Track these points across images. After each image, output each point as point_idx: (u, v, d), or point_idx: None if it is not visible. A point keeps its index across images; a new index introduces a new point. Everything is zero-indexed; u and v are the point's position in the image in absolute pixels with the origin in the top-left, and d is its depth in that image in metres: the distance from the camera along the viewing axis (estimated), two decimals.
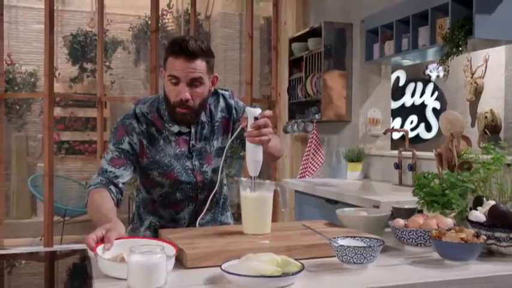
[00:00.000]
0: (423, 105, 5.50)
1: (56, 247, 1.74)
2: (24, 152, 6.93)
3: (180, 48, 1.75)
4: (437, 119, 5.35)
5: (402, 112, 5.59)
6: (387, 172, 3.73)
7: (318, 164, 4.23)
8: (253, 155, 1.70)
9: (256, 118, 1.70)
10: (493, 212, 1.57)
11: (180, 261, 1.41)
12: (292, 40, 4.77)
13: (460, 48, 2.90)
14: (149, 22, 5.09)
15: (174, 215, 1.98)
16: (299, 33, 4.71)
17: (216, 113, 1.97)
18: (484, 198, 1.72)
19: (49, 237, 4.00)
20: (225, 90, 2.04)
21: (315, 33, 4.38)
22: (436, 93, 5.44)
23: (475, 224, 1.60)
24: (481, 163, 1.81)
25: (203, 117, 1.93)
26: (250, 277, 1.22)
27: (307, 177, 4.23)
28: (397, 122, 5.54)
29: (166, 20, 7.45)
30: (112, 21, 7.30)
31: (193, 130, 1.92)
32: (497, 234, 1.55)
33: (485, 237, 1.49)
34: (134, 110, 1.90)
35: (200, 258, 1.41)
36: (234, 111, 2.00)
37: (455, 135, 1.89)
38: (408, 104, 5.60)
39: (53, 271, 1.49)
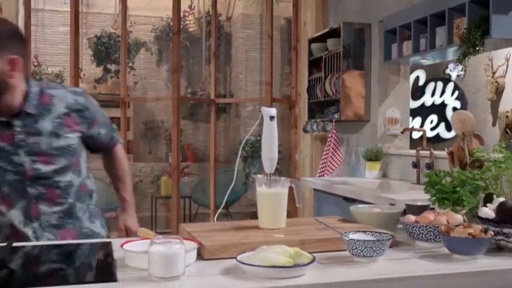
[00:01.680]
0: (443, 105, 5.49)
1: (80, 241, 1.81)
2: None
3: None
4: None
5: (422, 112, 5.59)
6: (405, 171, 3.76)
7: (336, 163, 4.28)
8: (269, 153, 1.77)
9: (271, 117, 1.77)
10: (501, 209, 1.61)
11: (198, 253, 1.48)
12: (312, 40, 4.82)
13: (477, 48, 2.92)
14: (171, 24, 5.19)
15: (5, 210, 1.81)
16: (318, 33, 4.76)
17: (58, 106, 1.83)
18: (495, 196, 1.76)
19: None
20: (76, 87, 1.97)
21: (334, 33, 4.43)
22: (457, 93, 5.43)
23: (484, 220, 1.64)
24: (492, 161, 1.84)
25: (30, 109, 1.78)
26: (263, 267, 1.29)
27: (326, 176, 4.28)
28: (417, 122, 5.55)
29: (188, 22, 7.55)
30: (135, 23, 7.44)
31: (17, 122, 1.78)
32: (505, 230, 1.59)
33: (492, 233, 1.53)
34: None
35: (217, 250, 1.49)
36: (86, 110, 1.90)
37: (466, 134, 1.93)
38: (428, 103, 5.60)
39: (77, 260, 1.58)
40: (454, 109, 5.42)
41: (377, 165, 3.92)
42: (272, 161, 1.77)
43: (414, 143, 4.36)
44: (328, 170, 4.27)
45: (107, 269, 1.43)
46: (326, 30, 4.59)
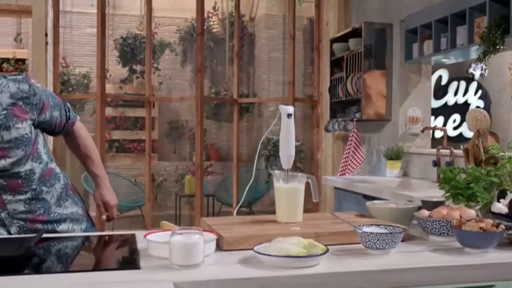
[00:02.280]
0: (466, 104, 5.47)
1: (106, 233, 1.90)
2: None
3: None
4: None
5: (445, 111, 5.58)
6: (426, 170, 3.78)
7: (357, 162, 4.32)
8: (286, 150, 1.83)
9: (289, 115, 1.83)
10: None
11: (217, 244, 1.55)
12: (334, 40, 4.86)
13: (497, 47, 2.93)
14: (195, 25, 5.28)
15: None
16: (340, 33, 4.79)
17: (2, 98, 1.75)
18: (508, 192, 1.79)
19: (101, 230, 4.21)
20: (18, 75, 1.84)
21: (355, 33, 4.46)
22: (480, 92, 5.41)
23: (497, 215, 1.68)
24: (507, 158, 1.87)
25: None
26: (278, 257, 1.36)
27: (347, 174, 4.32)
28: (439, 121, 5.54)
29: (212, 22, 7.65)
30: (160, 24, 7.56)
31: None
32: None
33: (504, 227, 1.57)
34: None
35: (235, 241, 1.56)
36: (33, 96, 1.82)
37: (481, 131, 1.96)
38: (451, 102, 5.59)
39: (103, 250, 1.67)
40: (477, 108, 5.39)
41: (398, 164, 3.94)
42: (289, 158, 1.84)
43: (436, 143, 4.36)
44: (349, 169, 4.31)
45: (130, 257, 1.51)
46: (348, 30, 4.62)
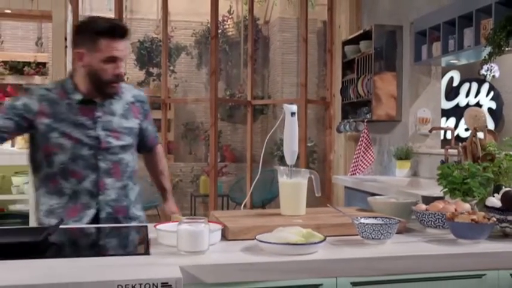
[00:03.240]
0: (478, 105, 5.50)
1: (119, 224, 2.05)
2: None
3: (114, 29, 1.97)
4: (493, 119, 5.36)
5: (456, 112, 5.62)
6: (435, 169, 3.81)
7: (368, 162, 4.39)
8: (290, 146, 1.93)
9: (292, 113, 1.93)
10: (505, 197, 1.72)
11: (223, 235, 1.65)
12: (345, 43, 4.94)
13: (502, 48, 2.99)
14: (210, 28, 5.40)
15: (76, 185, 2.01)
16: (351, 36, 4.87)
17: (126, 94, 2.14)
18: (504, 187, 1.86)
19: None
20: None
21: (366, 35, 4.54)
22: (492, 93, 5.44)
23: (490, 209, 1.75)
24: (504, 155, 1.94)
25: None
26: (278, 244, 1.45)
27: (357, 174, 4.39)
28: (451, 122, 5.58)
29: (227, 26, 7.77)
30: (176, 28, 7.70)
31: (99, 102, 2.06)
32: (510, 218, 1.69)
33: (495, 219, 1.64)
34: (36, 87, 2.11)
35: (240, 231, 1.66)
36: (145, 104, 2.22)
37: (478, 129, 2.03)
38: (462, 104, 5.62)
39: (116, 239, 1.80)
40: (489, 110, 5.43)
41: (407, 164, 4.01)
42: (293, 154, 1.93)
43: (448, 143, 4.40)
44: (359, 169, 4.39)
45: (141, 245, 1.62)
46: (359, 32, 4.70)
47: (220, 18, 7.25)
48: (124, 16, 5.58)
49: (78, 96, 2.02)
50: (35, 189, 2.12)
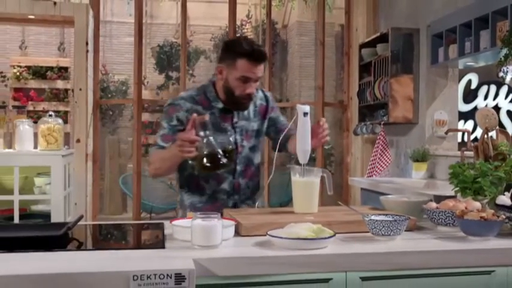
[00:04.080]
0: (497, 108, 5.46)
1: (137, 222, 2.13)
2: (116, 154, 7.59)
3: (253, 53, 2.10)
4: None
5: (474, 115, 5.58)
6: None
7: (385, 164, 4.40)
8: (303, 145, 1.98)
9: (305, 114, 1.97)
10: None
11: (236, 231, 1.70)
12: (362, 46, 4.96)
13: None
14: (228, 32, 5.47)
15: (216, 186, 2.23)
16: (368, 39, 4.89)
17: (256, 99, 2.32)
18: None
19: None
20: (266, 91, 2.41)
21: (383, 38, 4.55)
22: (511, 96, 5.40)
23: (501, 207, 1.77)
24: None
25: None
26: (288, 239, 1.50)
27: (374, 176, 4.40)
28: (469, 125, 5.55)
29: (246, 30, 7.83)
30: (195, 32, 7.79)
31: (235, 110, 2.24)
32: None
33: (504, 216, 1.66)
34: (183, 93, 2.29)
35: (253, 227, 1.70)
36: (270, 102, 2.39)
37: (490, 128, 2.05)
38: (481, 106, 5.59)
39: (133, 234, 1.87)
40: (508, 112, 5.39)
41: (423, 166, 4.01)
42: (306, 153, 1.98)
43: (464, 146, 4.40)
44: (376, 171, 4.40)
45: (157, 239, 1.68)
46: (376, 35, 4.72)
47: (238, 23, 7.31)
48: (144, 21, 5.68)
49: (219, 105, 2.22)
50: (179, 187, 2.32)
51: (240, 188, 2.26)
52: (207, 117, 1.98)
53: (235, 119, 2.26)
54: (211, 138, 1.94)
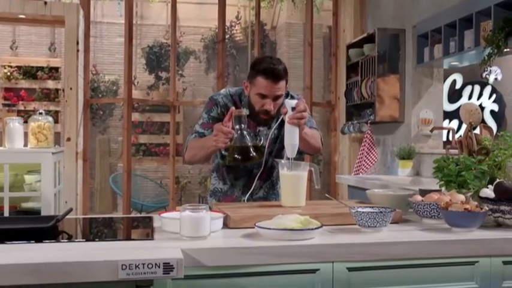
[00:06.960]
0: (481, 108, 5.54)
1: (127, 215, 2.17)
2: (107, 153, 7.59)
3: (269, 72, 2.20)
4: (496, 121, 5.40)
5: (459, 114, 5.65)
6: None
7: (371, 162, 4.45)
8: (290, 139, 2.01)
9: (293, 108, 2.01)
10: (498, 188, 1.78)
11: (225, 223, 1.73)
12: (349, 46, 5.02)
13: (501, 49, 3.05)
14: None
15: (233, 180, 2.39)
16: (355, 39, 4.95)
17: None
18: (497, 179, 1.92)
19: None
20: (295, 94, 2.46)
21: (370, 39, 4.61)
22: (494, 96, 5.48)
23: (484, 199, 1.82)
24: (498, 149, 2.00)
25: None
26: (276, 230, 1.53)
27: (360, 174, 4.45)
28: (454, 124, 5.62)
29: (235, 31, 7.86)
30: (185, 33, 7.81)
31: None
32: (502, 208, 1.76)
33: (487, 208, 1.71)
34: (223, 90, 2.43)
35: (241, 220, 1.73)
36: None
37: (473, 123, 2.09)
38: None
39: (122, 227, 1.89)
40: (492, 112, 5.46)
41: (409, 164, 4.06)
42: (293, 147, 2.01)
43: (449, 144, 4.46)
44: (362, 169, 4.45)
45: (145, 231, 1.70)
46: (363, 36, 4.77)
47: (228, 24, 7.35)
48: (134, 22, 5.68)
49: (246, 112, 2.24)
50: (212, 172, 2.51)
51: (254, 187, 2.33)
52: (244, 111, 2.09)
53: (258, 128, 2.35)
54: (245, 132, 2.07)
